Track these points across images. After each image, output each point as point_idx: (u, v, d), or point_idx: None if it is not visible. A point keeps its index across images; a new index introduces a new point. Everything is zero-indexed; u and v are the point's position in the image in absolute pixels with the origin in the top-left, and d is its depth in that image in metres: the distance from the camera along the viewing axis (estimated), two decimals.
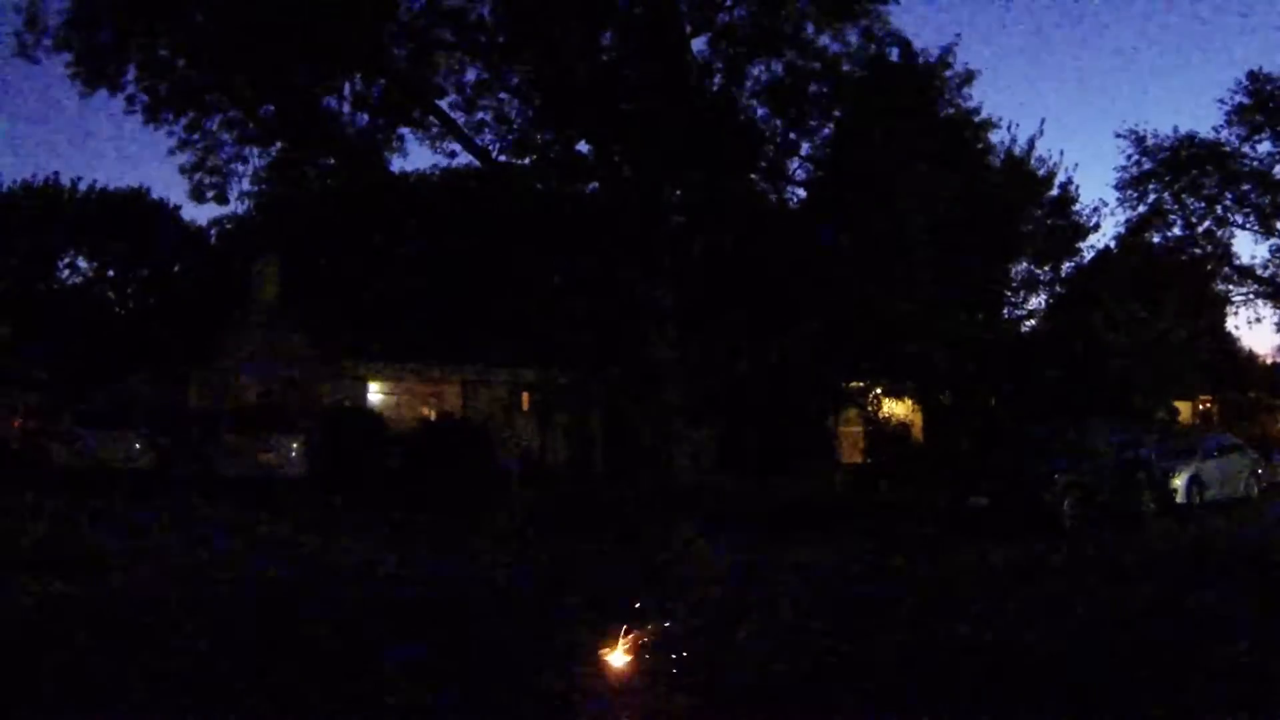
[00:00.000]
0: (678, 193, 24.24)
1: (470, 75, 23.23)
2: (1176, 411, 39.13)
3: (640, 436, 22.05)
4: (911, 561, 14.46)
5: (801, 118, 23.29)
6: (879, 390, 31.46)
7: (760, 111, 23.57)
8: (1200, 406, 47.23)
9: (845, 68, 22.67)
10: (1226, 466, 24.78)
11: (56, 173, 66.55)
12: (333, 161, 24.74)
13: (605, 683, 7.85)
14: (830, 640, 9.39)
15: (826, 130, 23.95)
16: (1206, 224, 40.67)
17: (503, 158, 24.13)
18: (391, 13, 21.94)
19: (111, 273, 52.61)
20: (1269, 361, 53.86)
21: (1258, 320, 55.10)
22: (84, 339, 45.21)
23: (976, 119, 25.67)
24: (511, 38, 22.25)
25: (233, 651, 8.76)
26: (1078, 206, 30.53)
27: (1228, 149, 39.48)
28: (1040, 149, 33.00)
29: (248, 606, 10.91)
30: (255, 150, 23.66)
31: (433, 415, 31.60)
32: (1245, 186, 40.06)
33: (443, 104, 23.45)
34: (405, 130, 24.17)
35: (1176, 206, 40.33)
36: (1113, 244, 37.04)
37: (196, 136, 23.04)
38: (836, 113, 23.53)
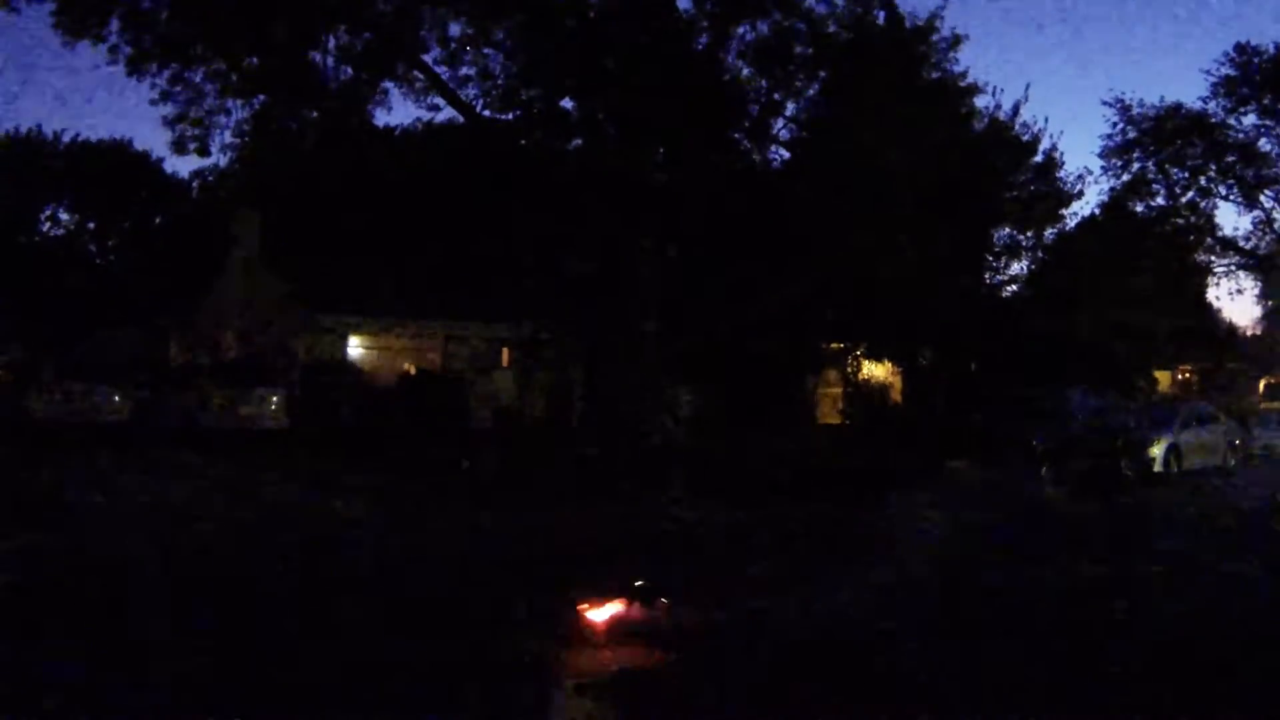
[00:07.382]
0: (661, 151, 24.15)
1: (455, 30, 23.05)
2: (1156, 381, 39.41)
3: (618, 395, 22.01)
4: None
5: (786, 78, 23.19)
6: (859, 352, 31.56)
7: (745, 71, 23.50)
8: (1180, 376, 47.51)
9: (831, 29, 22.57)
10: (1204, 436, 24.97)
11: (39, 124, 66.02)
12: (316, 114, 24.52)
13: None
14: None
15: (811, 91, 23.90)
16: (1190, 195, 40.70)
17: (487, 113, 23.98)
18: None
19: (93, 225, 52.29)
20: (1249, 333, 54.18)
21: (1239, 292, 55.85)
22: (65, 292, 44.98)
23: (962, 83, 25.63)
24: None
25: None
26: (1062, 173, 30.55)
27: (1213, 120, 39.48)
28: (1025, 115, 32.96)
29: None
30: (238, 102, 23.44)
31: (413, 370, 31.57)
32: (1230, 158, 40.09)
33: (427, 58, 23.26)
34: (389, 84, 23.94)
35: (1160, 176, 40.34)
36: (1096, 211, 37.10)
37: (179, 88, 22.76)
38: (821, 73, 23.45)
